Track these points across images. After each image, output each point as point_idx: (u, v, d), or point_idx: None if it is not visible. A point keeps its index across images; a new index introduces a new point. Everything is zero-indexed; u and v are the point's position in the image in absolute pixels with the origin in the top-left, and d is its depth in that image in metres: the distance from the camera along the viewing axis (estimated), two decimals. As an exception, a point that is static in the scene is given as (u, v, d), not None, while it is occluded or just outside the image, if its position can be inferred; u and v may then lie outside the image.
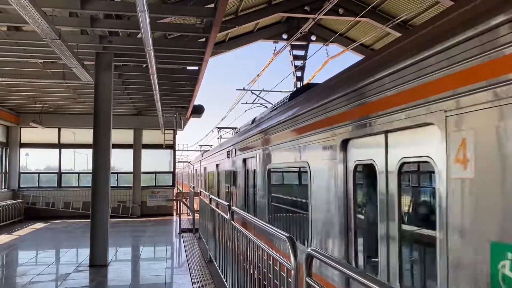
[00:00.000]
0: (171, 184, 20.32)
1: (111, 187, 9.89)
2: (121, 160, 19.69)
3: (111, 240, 9.86)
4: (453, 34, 2.44)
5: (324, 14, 12.94)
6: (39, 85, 13.23)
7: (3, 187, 17.83)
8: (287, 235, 3.41)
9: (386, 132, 3.35)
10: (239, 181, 9.93)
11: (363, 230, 3.91)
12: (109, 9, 7.92)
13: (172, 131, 19.77)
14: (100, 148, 9.48)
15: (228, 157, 11.71)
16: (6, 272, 8.95)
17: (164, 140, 19.11)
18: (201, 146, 37.52)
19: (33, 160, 19.36)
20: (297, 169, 6.07)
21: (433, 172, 2.69)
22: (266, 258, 4.25)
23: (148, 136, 19.89)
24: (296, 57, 17.82)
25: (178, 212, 15.14)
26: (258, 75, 17.61)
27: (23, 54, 10.17)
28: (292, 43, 16.36)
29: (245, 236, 5.16)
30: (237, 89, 23.26)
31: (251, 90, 17.89)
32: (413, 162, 3.07)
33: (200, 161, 22.78)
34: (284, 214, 6.56)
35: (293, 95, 7.28)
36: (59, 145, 19.11)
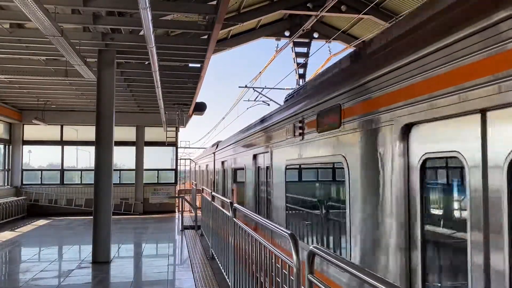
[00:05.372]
0: (173, 181, 20.36)
1: (114, 184, 9.90)
2: (123, 157, 19.75)
3: (113, 237, 9.89)
4: None
5: (326, 11, 12.89)
6: (41, 82, 13.26)
7: (6, 184, 17.90)
8: (289, 232, 3.40)
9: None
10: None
11: None
12: (112, 6, 7.91)
13: (174, 129, 19.80)
14: (103, 145, 9.49)
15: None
16: (9, 268, 8.99)
17: (167, 137, 19.15)
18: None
19: (35, 157, 19.41)
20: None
21: None
22: (268, 256, 4.26)
23: (151, 133, 19.92)
24: (298, 55, 17.77)
25: (180, 209, 15.17)
26: (260, 72, 17.57)
27: (26, 51, 10.18)
28: (294, 40, 16.31)
29: (247, 233, 5.16)
30: (239, 87, 23.25)
31: (253, 88, 17.87)
32: None
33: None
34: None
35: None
36: (62, 142, 19.16)
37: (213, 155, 15.73)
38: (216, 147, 14.81)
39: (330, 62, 16.06)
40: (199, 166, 23.97)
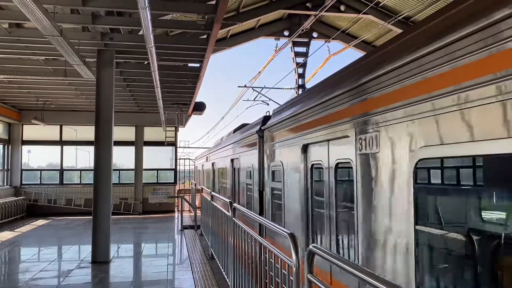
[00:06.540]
0: (173, 181, 20.36)
1: (113, 184, 9.90)
2: (123, 157, 19.75)
3: (113, 237, 9.89)
4: None
5: (325, 11, 12.90)
6: (40, 82, 13.25)
7: (5, 184, 17.88)
8: (288, 232, 3.39)
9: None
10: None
11: None
12: (111, 6, 7.91)
13: (173, 128, 19.80)
14: (102, 145, 9.49)
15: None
16: (8, 268, 8.99)
17: (166, 137, 19.15)
18: None
19: (35, 157, 19.40)
20: None
21: None
22: (267, 255, 4.26)
23: (150, 133, 19.92)
24: (297, 54, 17.78)
25: (180, 209, 15.16)
26: (259, 72, 17.57)
27: (25, 51, 10.17)
28: (293, 40, 16.32)
29: (246, 233, 5.16)
30: (238, 86, 23.26)
31: (252, 87, 17.88)
32: None
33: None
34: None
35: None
36: (61, 142, 19.15)
37: (257, 140, 7.66)
38: (263, 123, 7.52)
39: (330, 61, 16.08)
40: (213, 163, 15.40)
